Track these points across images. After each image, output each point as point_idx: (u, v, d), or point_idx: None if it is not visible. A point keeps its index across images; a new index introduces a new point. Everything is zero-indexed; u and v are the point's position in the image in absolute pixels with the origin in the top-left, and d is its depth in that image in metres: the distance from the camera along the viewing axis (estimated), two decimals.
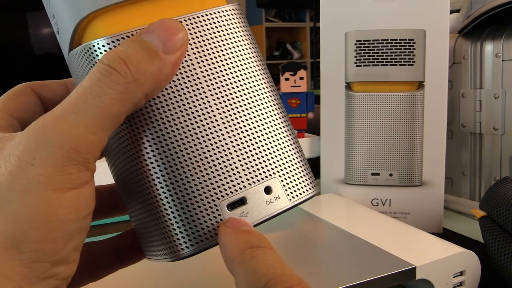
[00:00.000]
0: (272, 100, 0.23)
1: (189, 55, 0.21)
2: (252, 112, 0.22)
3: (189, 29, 0.21)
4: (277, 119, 0.23)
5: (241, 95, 0.22)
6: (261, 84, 0.23)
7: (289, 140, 0.23)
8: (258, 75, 0.23)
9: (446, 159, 0.51)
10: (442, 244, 0.39)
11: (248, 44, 0.23)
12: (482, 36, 0.55)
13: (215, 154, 0.21)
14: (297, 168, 0.23)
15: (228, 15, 0.23)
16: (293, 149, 0.23)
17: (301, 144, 0.24)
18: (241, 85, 0.22)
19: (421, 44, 0.50)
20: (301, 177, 0.23)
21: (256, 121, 0.22)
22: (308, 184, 0.23)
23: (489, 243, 0.39)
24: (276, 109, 0.23)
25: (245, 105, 0.22)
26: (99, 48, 0.20)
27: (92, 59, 0.20)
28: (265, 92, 0.23)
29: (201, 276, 0.34)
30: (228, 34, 0.22)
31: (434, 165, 0.51)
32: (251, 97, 0.22)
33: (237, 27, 0.23)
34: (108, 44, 0.20)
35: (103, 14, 0.21)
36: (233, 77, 0.22)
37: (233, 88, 0.22)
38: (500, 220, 0.39)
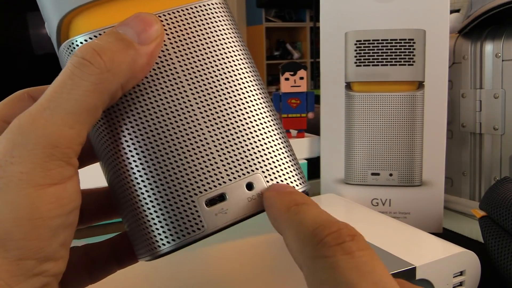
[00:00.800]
0: (257, 94, 0.22)
1: (167, 49, 0.21)
2: (234, 106, 0.21)
3: (168, 24, 0.21)
4: (262, 112, 0.22)
5: (221, 89, 0.21)
6: (245, 77, 0.22)
7: (275, 134, 0.22)
8: (241, 68, 0.22)
9: (446, 159, 0.51)
10: (442, 244, 0.39)
11: (230, 37, 0.22)
12: (482, 36, 0.55)
13: (193, 149, 0.20)
14: (283, 164, 0.22)
15: (209, 8, 0.22)
16: (279, 144, 0.22)
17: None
18: (222, 79, 0.21)
19: (421, 44, 0.50)
20: (288, 172, 0.22)
21: (239, 115, 0.21)
22: (295, 180, 0.22)
23: (489, 243, 0.39)
24: (261, 102, 0.22)
25: (226, 99, 0.21)
26: (77, 45, 0.20)
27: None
28: (250, 86, 0.22)
29: (199, 278, 0.34)
30: (209, 27, 0.22)
31: (434, 165, 0.51)
32: (233, 91, 0.21)
33: (219, 21, 0.22)
34: (85, 40, 0.20)
35: (84, 11, 0.21)
36: (214, 70, 0.21)
37: (213, 81, 0.21)
38: (500, 220, 0.39)
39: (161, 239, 0.20)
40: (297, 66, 0.67)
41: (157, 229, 0.20)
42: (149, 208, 0.20)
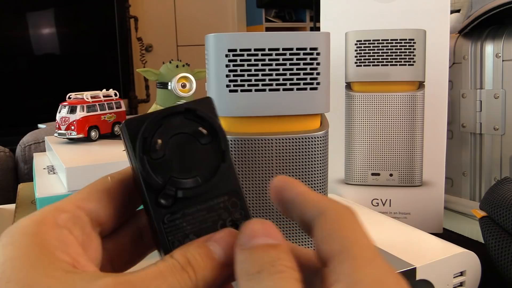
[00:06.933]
0: None
1: (275, 161, 0.30)
2: None
3: (279, 143, 0.29)
4: None
5: None
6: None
7: None
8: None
9: (446, 159, 0.51)
10: (442, 244, 0.39)
11: (321, 164, 0.30)
12: (482, 36, 0.55)
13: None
14: None
15: (314, 141, 0.30)
16: None
17: None
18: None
19: (421, 44, 0.50)
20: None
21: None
22: None
23: (489, 243, 0.39)
24: None
25: None
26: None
27: None
28: None
29: None
30: (308, 154, 0.30)
31: (434, 165, 0.51)
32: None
33: (315, 152, 0.30)
34: (231, 141, 0.30)
35: (229, 118, 0.31)
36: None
37: None
38: (500, 220, 0.39)
39: None
40: None
41: None
42: None
